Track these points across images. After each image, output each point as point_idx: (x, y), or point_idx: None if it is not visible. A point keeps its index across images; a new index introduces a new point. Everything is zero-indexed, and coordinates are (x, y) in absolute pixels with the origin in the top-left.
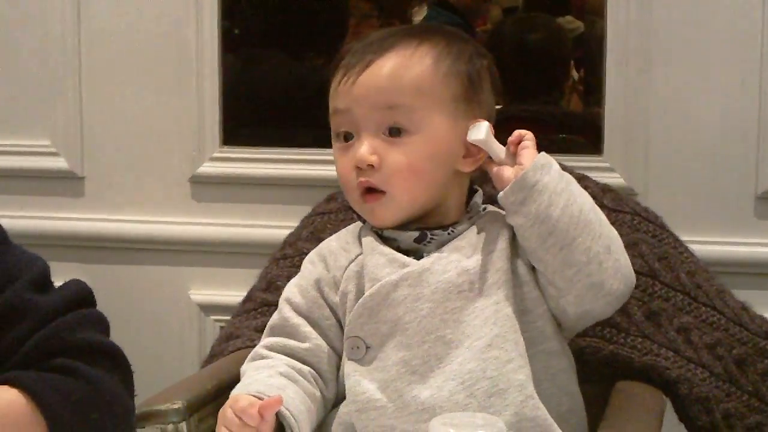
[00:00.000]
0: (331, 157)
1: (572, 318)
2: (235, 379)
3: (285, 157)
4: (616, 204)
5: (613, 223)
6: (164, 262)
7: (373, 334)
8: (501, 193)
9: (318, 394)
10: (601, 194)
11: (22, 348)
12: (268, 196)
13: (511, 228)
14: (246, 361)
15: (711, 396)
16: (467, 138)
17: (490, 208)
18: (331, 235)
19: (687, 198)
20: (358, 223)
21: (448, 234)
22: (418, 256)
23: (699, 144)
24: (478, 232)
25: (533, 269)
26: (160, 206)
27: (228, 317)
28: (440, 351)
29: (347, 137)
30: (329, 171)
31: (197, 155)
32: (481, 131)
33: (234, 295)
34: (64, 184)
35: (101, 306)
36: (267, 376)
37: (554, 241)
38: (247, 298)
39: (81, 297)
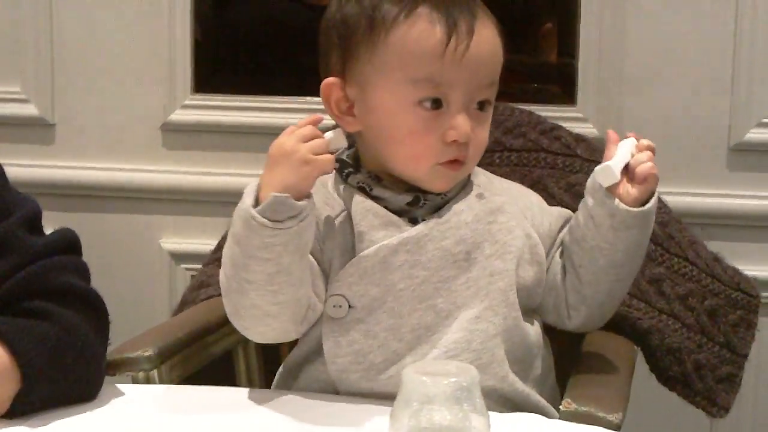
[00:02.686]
0: (303, 105)
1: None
2: (207, 328)
3: (257, 104)
4: (590, 154)
5: (586, 174)
6: (135, 210)
7: (360, 296)
8: (644, 207)
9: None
10: (575, 144)
11: (2, 284)
12: (240, 144)
13: (520, 202)
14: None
15: (682, 347)
16: (602, 184)
17: (476, 171)
18: None
19: (660, 149)
20: (329, 176)
21: (441, 198)
22: (410, 217)
23: (673, 95)
24: (478, 198)
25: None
26: (132, 154)
27: (199, 266)
28: (430, 320)
29: (433, 103)
30: (302, 119)
31: (168, 103)
32: (615, 173)
33: (205, 243)
34: (34, 131)
35: None
36: None
37: (619, 271)
38: (219, 247)
39: (68, 243)
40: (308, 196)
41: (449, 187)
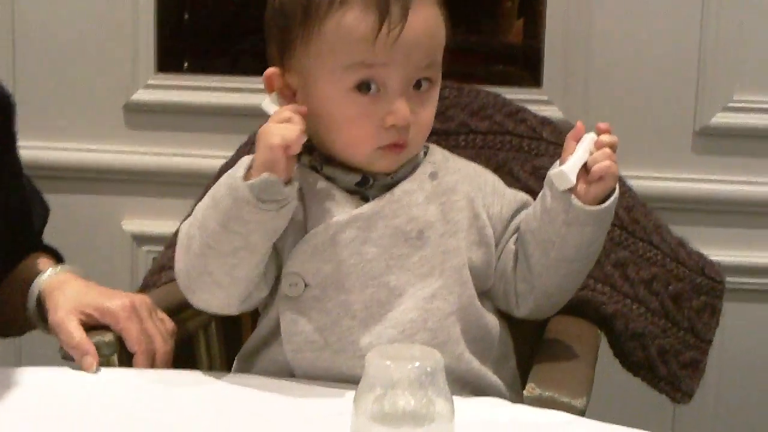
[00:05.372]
0: None
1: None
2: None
3: (221, 85)
4: (555, 137)
5: (552, 157)
6: (97, 191)
7: (314, 273)
8: (600, 206)
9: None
10: (540, 127)
11: None
12: (203, 125)
13: (473, 182)
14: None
15: (647, 332)
16: (558, 188)
17: (434, 149)
18: None
19: (625, 132)
20: None
21: (391, 178)
22: (362, 196)
23: (638, 79)
24: (431, 178)
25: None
26: (93, 134)
27: (161, 248)
28: (383, 297)
29: (367, 88)
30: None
31: (131, 82)
32: (570, 178)
33: (167, 225)
34: None
35: None
36: None
37: (569, 266)
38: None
39: None
40: (290, 182)
41: (394, 168)
